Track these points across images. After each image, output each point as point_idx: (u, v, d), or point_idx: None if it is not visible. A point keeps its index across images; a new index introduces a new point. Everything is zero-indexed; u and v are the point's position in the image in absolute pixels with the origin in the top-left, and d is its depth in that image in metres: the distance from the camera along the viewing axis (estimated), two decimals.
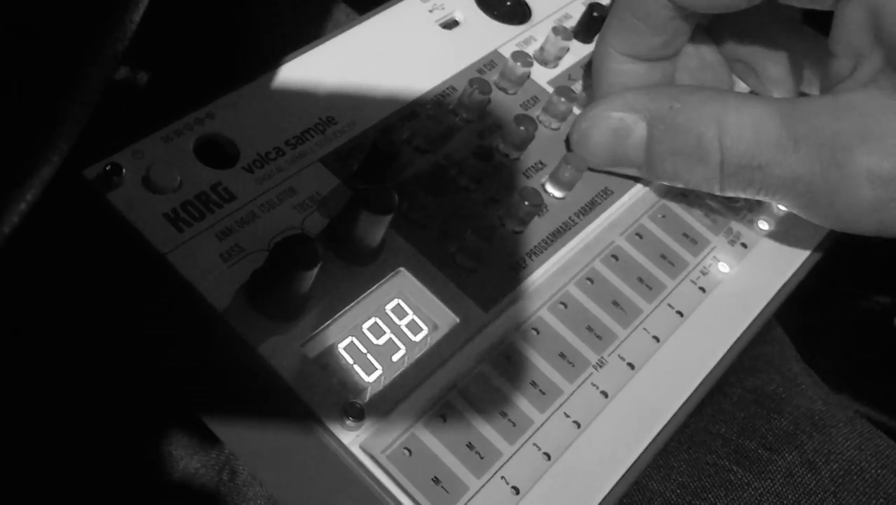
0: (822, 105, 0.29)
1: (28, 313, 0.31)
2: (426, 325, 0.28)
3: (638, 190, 0.34)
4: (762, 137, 0.29)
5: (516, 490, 0.26)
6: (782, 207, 0.35)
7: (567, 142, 0.34)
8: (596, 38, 0.35)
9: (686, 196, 0.34)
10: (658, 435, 0.29)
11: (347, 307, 0.27)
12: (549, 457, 0.27)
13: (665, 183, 0.33)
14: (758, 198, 0.31)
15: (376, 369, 0.27)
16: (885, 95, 0.29)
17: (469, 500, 0.26)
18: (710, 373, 0.31)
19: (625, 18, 0.32)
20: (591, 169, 0.33)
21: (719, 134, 0.30)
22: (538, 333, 0.29)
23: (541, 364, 0.29)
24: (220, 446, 0.33)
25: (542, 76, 0.36)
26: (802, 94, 0.36)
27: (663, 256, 0.33)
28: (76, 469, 0.31)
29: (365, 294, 0.28)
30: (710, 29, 0.35)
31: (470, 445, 0.26)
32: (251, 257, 0.27)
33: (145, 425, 0.33)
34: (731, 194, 0.31)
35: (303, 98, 0.31)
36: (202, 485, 0.33)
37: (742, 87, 0.36)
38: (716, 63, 0.36)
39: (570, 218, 0.32)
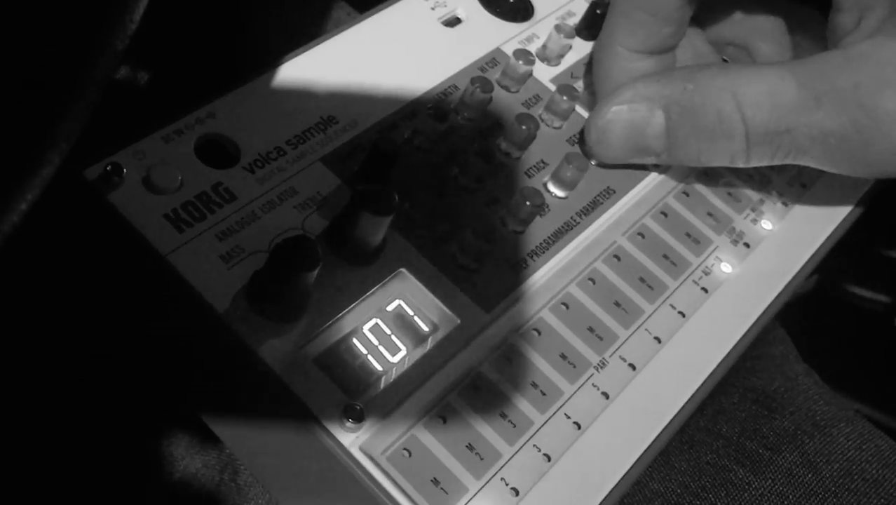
0: (833, 60, 0.30)
1: (28, 313, 0.31)
2: (427, 326, 0.28)
3: (640, 189, 0.34)
4: (782, 101, 0.29)
5: (516, 491, 0.26)
6: (787, 205, 0.35)
7: (580, 143, 0.34)
8: (598, 37, 0.34)
9: (688, 195, 0.34)
10: (659, 436, 0.29)
11: (348, 308, 0.27)
12: (549, 458, 0.27)
13: (689, 165, 0.33)
14: (786, 162, 0.31)
15: (377, 370, 0.27)
16: (895, 41, 0.29)
17: (468, 501, 0.26)
18: (712, 373, 0.31)
19: (633, 14, 0.32)
20: (603, 165, 0.33)
21: (738, 106, 0.30)
22: (539, 334, 0.29)
23: (541, 365, 0.29)
24: (222, 446, 0.33)
25: (545, 74, 0.35)
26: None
27: (665, 256, 0.33)
28: (77, 469, 0.31)
29: (366, 295, 0.28)
30: (695, 17, 0.35)
31: (470, 447, 0.26)
32: (252, 258, 0.27)
33: (146, 425, 0.33)
34: (757, 164, 0.31)
35: (304, 97, 0.31)
36: (203, 485, 0.33)
37: None
38: (706, 51, 0.36)
39: (571, 218, 0.32)
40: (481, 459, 0.26)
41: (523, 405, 0.28)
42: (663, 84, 0.31)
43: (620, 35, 0.33)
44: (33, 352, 0.31)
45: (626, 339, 0.30)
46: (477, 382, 0.28)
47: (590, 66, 0.36)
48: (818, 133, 0.30)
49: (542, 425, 0.28)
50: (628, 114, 0.32)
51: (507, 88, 0.34)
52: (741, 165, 0.31)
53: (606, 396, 0.29)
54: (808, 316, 0.51)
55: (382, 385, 0.27)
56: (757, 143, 0.30)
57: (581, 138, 0.34)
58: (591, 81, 0.35)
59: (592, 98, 0.35)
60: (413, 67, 0.33)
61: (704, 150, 0.31)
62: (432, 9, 0.36)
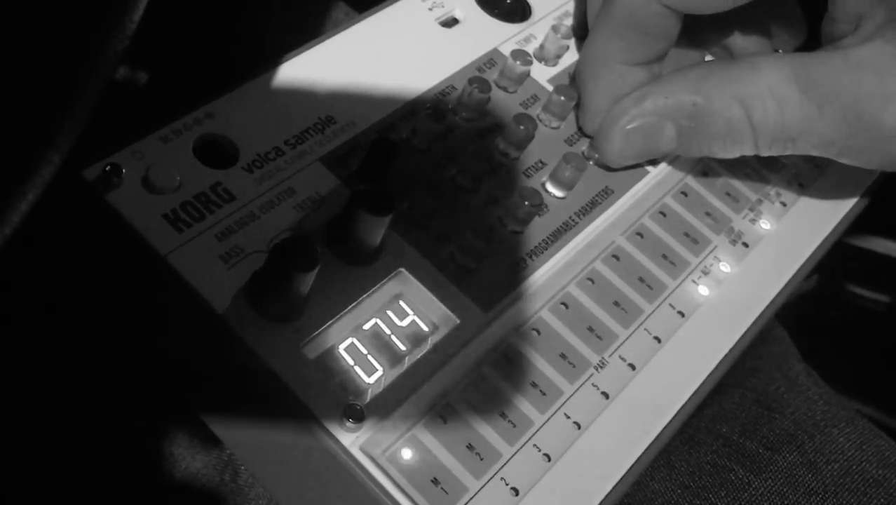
0: (833, 63, 0.30)
1: (28, 314, 0.31)
2: (426, 326, 0.28)
3: (639, 189, 0.34)
4: (786, 108, 0.30)
5: (516, 491, 0.26)
6: (785, 204, 0.36)
7: (590, 150, 0.33)
8: (587, 52, 0.34)
9: (687, 195, 0.34)
10: (659, 436, 0.29)
11: (347, 308, 0.27)
12: (549, 458, 0.27)
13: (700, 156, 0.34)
14: (796, 154, 0.32)
15: (376, 370, 0.27)
16: (894, 47, 0.29)
17: (468, 501, 0.26)
18: (712, 373, 0.31)
19: (627, 34, 0.32)
20: (606, 167, 0.33)
21: (746, 113, 0.31)
22: (539, 334, 0.29)
23: (541, 365, 0.29)
24: (223, 446, 0.33)
25: (542, 74, 0.35)
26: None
27: (664, 256, 0.33)
28: (77, 469, 0.31)
29: (365, 295, 0.28)
30: None
31: (470, 447, 0.26)
32: (251, 258, 0.27)
33: (147, 426, 0.33)
34: (767, 155, 0.32)
35: (302, 97, 0.31)
36: (204, 485, 0.33)
37: None
38: (689, 50, 0.36)
39: (570, 217, 0.32)
40: (481, 458, 0.26)
41: (523, 405, 0.28)
42: (671, 100, 0.32)
43: (614, 51, 0.33)
44: (33, 352, 0.31)
45: (626, 338, 0.30)
46: (477, 381, 0.28)
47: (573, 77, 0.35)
48: (820, 142, 0.30)
49: (542, 425, 0.28)
50: (641, 130, 0.32)
51: (504, 89, 0.34)
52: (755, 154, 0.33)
53: (606, 395, 0.29)
54: (808, 316, 0.51)
55: (382, 385, 0.27)
56: (765, 146, 0.31)
57: (592, 148, 0.33)
58: (580, 91, 0.35)
59: (589, 108, 0.34)
60: (411, 68, 0.33)
61: (716, 150, 0.32)
62: (430, 9, 0.36)
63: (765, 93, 0.30)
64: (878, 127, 0.29)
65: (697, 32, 0.36)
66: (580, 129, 0.34)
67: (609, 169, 0.34)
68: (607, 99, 0.33)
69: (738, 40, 0.36)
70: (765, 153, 0.32)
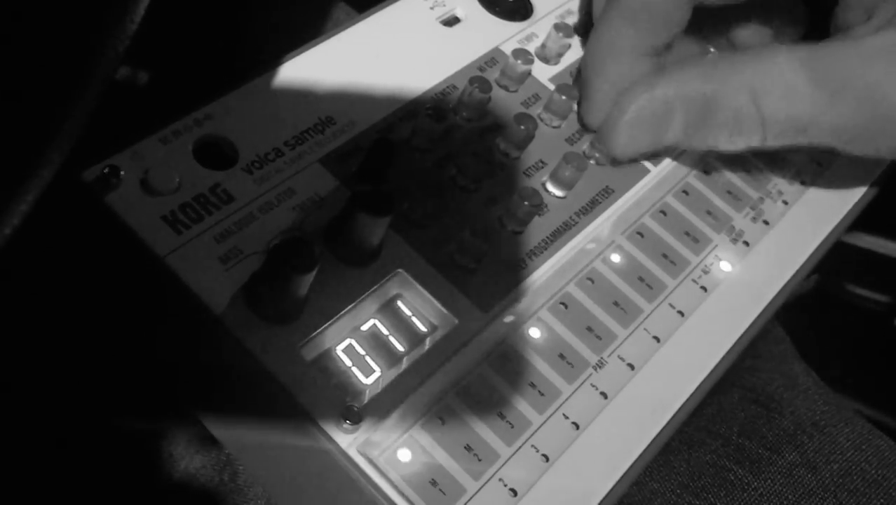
0: (845, 52, 0.30)
1: (27, 315, 0.31)
2: (425, 326, 0.28)
3: (639, 188, 0.34)
4: (795, 98, 0.30)
5: (514, 492, 0.26)
6: (787, 203, 0.36)
7: (595, 139, 0.33)
8: (595, 41, 0.34)
9: (688, 194, 0.34)
10: (658, 436, 0.29)
11: (346, 309, 0.27)
12: (547, 458, 0.27)
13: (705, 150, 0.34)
14: (804, 144, 0.32)
15: (374, 371, 0.27)
16: None
17: (466, 502, 0.26)
18: (711, 373, 0.31)
19: (638, 22, 0.32)
20: (612, 161, 0.33)
21: (756, 102, 0.30)
22: (537, 334, 0.29)
23: (540, 365, 0.29)
24: (221, 446, 0.33)
25: (544, 73, 0.35)
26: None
27: (664, 255, 0.32)
28: (77, 469, 0.31)
29: (363, 296, 0.28)
30: None
31: (468, 447, 0.26)
32: (250, 259, 0.27)
33: (146, 426, 0.33)
34: (773, 147, 0.32)
35: (302, 98, 0.31)
36: (203, 485, 0.33)
37: None
38: (692, 41, 0.36)
39: (570, 217, 0.32)
40: (479, 459, 0.26)
41: (521, 405, 0.28)
42: (680, 89, 0.31)
43: (623, 40, 0.33)
44: (33, 353, 0.32)
45: (625, 338, 0.30)
46: (475, 382, 0.28)
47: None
48: (831, 131, 0.30)
49: (541, 426, 0.28)
50: (649, 119, 0.32)
51: (505, 88, 0.34)
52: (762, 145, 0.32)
53: (605, 395, 0.29)
54: (808, 316, 0.51)
55: (380, 386, 0.27)
56: (773, 136, 0.31)
57: (596, 141, 0.33)
58: (584, 84, 0.34)
59: (592, 102, 0.34)
60: (412, 67, 0.33)
61: (723, 141, 0.32)
62: (431, 8, 0.35)
63: (774, 83, 0.30)
64: (892, 116, 0.29)
65: (702, 25, 0.36)
66: (582, 127, 0.34)
67: (612, 163, 0.33)
68: (613, 90, 0.33)
69: (742, 32, 0.36)
70: (772, 143, 0.32)
